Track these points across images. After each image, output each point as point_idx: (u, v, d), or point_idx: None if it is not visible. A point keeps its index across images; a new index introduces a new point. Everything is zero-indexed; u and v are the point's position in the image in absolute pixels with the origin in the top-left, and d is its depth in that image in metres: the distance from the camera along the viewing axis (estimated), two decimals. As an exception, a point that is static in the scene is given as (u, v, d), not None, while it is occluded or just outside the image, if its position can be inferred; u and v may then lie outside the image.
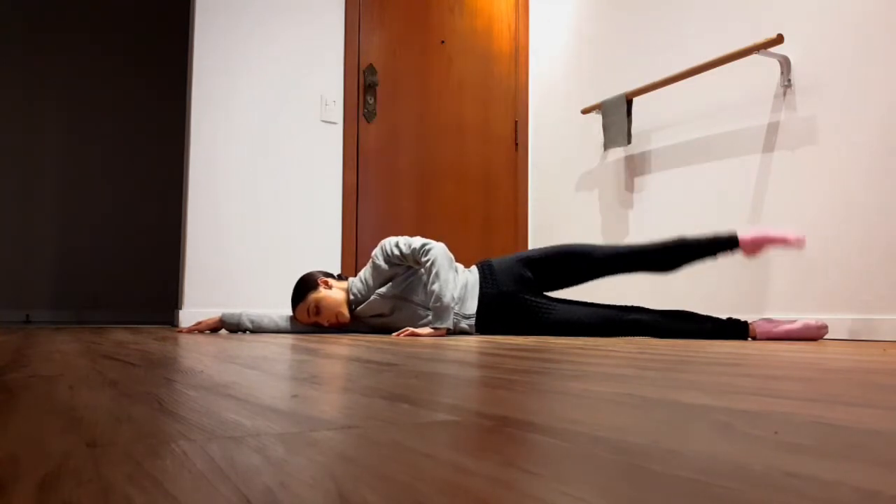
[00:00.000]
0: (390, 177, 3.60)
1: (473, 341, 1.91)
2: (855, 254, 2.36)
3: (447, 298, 2.31)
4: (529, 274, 2.45)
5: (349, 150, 3.49)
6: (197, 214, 3.12)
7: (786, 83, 2.59)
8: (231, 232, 3.18)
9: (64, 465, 0.37)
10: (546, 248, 2.50)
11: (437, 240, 3.61)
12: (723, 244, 2.24)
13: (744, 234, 2.23)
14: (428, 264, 2.36)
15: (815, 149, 2.50)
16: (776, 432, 0.46)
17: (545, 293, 2.50)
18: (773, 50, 2.61)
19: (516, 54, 4.03)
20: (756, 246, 2.20)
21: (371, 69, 3.56)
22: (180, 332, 2.51)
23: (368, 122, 3.55)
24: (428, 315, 2.39)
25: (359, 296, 2.52)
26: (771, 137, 2.66)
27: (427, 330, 2.25)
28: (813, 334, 2.14)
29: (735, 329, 2.19)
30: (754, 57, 2.71)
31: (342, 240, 3.45)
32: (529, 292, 2.45)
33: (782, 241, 2.17)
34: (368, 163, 3.55)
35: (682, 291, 3.00)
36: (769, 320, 2.21)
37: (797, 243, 2.16)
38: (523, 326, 2.46)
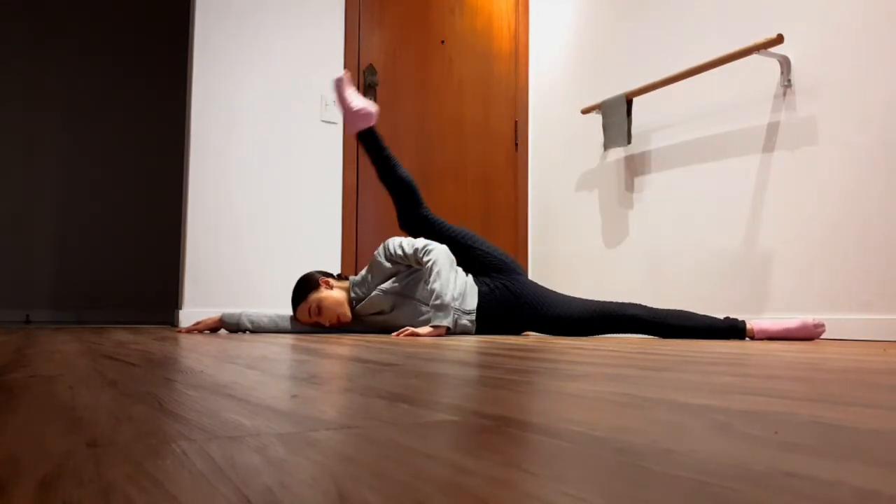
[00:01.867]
0: (390, 177, 3.60)
1: (473, 341, 1.91)
2: (854, 253, 2.36)
3: (447, 297, 2.31)
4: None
5: (349, 150, 3.49)
6: (197, 214, 3.12)
7: (786, 83, 2.59)
8: (231, 232, 3.18)
9: (64, 465, 0.37)
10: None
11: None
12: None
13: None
14: (429, 264, 2.37)
15: (815, 149, 2.50)
16: (776, 432, 0.46)
17: (541, 289, 2.51)
18: (773, 50, 2.61)
19: (516, 54, 4.03)
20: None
21: (371, 69, 3.56)
22: (180, 332, 2.51)
23: (368, 122, 3.55)
24: (428, 312, 2.39)
25: (359, 294, 2.52)
26: (771, 137, 2.66)
27: (427, 329, 2.26)
28: (810, 334, 2.14)
29: (733, 329, 2.19)
30: (754, 57, 2.71)
31: (342, 240, 3.45)
32: (523, 282, 2.49)
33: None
34: (368, 162, 3.54)
35: (681, 291, 3.00)
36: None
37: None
38: (522, 323, 2.47)
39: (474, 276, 2.56)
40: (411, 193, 2.57)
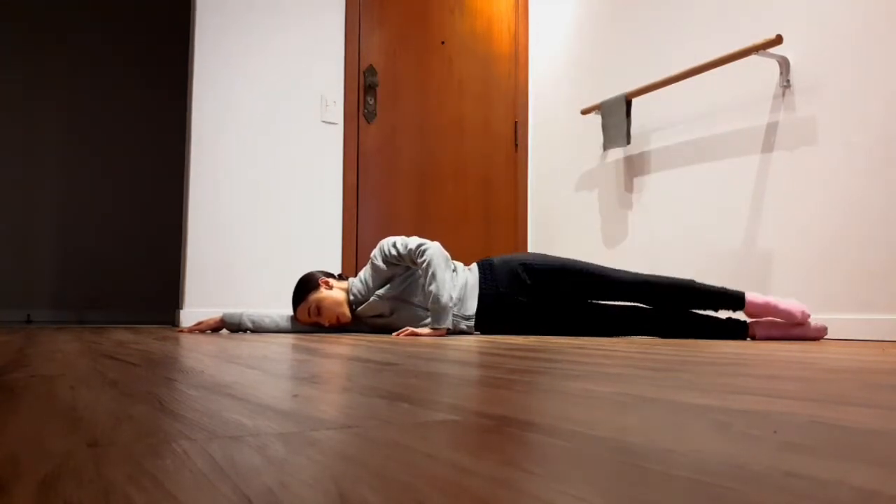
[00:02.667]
0: (390, 177, 3.60)
1: (473, 341, 1.91)
2: (854, 253, 2.36)
3: (445, 299, 2.30)
4: (528, 280, 2.42)
5: (349, 150, 3.49)
6: (197, 214, 3.12)
7: (785, 83, 2.59)
8: (232, 232, 3.18)
9: (65, 464, 0.37)
10: (549, 259, 2.44)
11: (437, 240, 3.61)
12: (729, 301, 2.21)
13: (752, 297, 2.19)
14: (424, 265, 2.36)
15: (814, 149, 2.50)
16: (776, 432, 0.46)
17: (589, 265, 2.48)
18: (772, 50, 2.61)
19: (516, 55, 4.03)
20: (760, 311, 2.18)
21: (371, 70, 3.56)
22: (181, 331, 2.51)
23: (368, 123, 3.55)
24: (427, 316, 2.39)
25: (359, 296, 2.52)
26: (770, 138, 2.66)
27: (426, 330, 2.25)
28: (812, 335, 2.14)
29: (734, 329, 2.20)
30: (753, 57, 2.71)
31: (342, 240, 3.45)
32: (526, 295, 2.43)
33: (787, 315, 2.14)
34: (368, 163, 3.55)
35: (682, 291, 3.00)
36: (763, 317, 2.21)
37: (802, 318, 2.13)
38: (522, 326, 2.46)
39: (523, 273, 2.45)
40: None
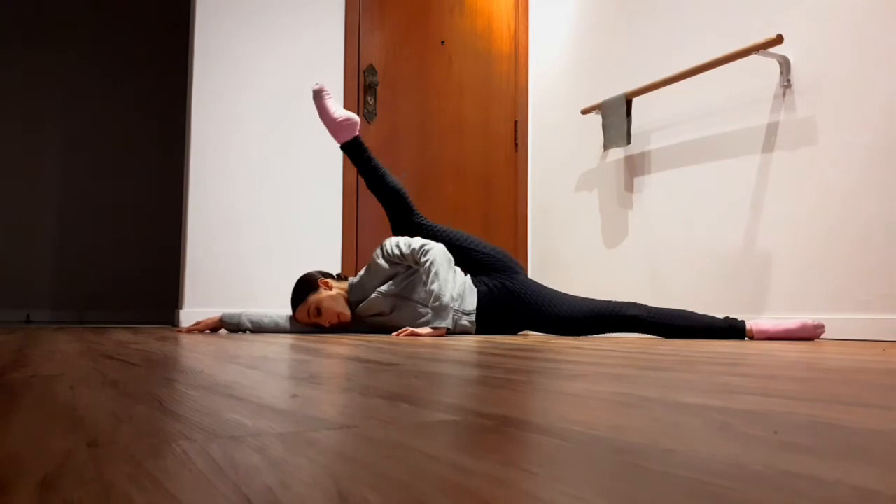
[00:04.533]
0: (390, 177, 3.60)
1: (473, 341, 1.91)
2: (854, 253, 2.36)
3: (446, 298, 2.31)
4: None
5: (349, 150, 3.48)
6: (197, 214, 3.12)
7: (785, 83, 2.59)
8: (231, 232, 3.18)
9: (65, 464, 0.37)
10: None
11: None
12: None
13: (754, 326, 2.18)
14: (427, 264, 2.37)
15: (815, 149, 2.50)
16: (775, 432, 0.46)
17: (540, 288, 2.50)
18: (772, 50, 2.61)
19: (516, 54, 4.03)
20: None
21: (371, 69, 3.56)
22: (180, 331, 2.51)
23: (369, 123, 3.55)
24: (428, 314, 2.39)
25: (359, 296, 2.52)
26: (770, 138, 2.66)
27: (426, 330, 2.26)
28: (810, 334, 2.14)
29: (733, 329, 2.20)
30: (754, 57, 2.71)
31: (342, 240, 3.45)
32: (522, 282, 2.49)
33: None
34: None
35: (681, 291, 3.00)
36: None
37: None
38: (522, 322, 2.47)
39: (473, 276, 2.56)
40: (402, 201, 2.56)
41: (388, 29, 3.65)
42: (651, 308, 2.30)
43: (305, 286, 2.48)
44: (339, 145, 2.57)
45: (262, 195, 3.27)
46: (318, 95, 2.52)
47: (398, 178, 3.36)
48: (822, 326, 2.15)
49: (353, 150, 2.55)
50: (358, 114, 3.52)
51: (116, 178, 5.01)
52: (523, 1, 4.08)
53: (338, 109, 2.52)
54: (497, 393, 0.69)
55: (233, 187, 3.20)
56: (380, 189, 2.56)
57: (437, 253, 2.38)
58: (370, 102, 3.55)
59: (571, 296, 2.46)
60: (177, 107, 5.22)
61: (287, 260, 3.30)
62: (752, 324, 2.19)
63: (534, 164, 3.98)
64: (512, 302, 2.46)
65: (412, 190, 3.65)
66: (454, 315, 2.36)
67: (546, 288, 2.51)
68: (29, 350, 1.38)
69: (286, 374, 0.89)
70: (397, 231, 2.60)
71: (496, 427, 0.48)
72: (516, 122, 3.99)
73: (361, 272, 2.56)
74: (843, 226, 2.40)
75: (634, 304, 2.33)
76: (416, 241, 2.42)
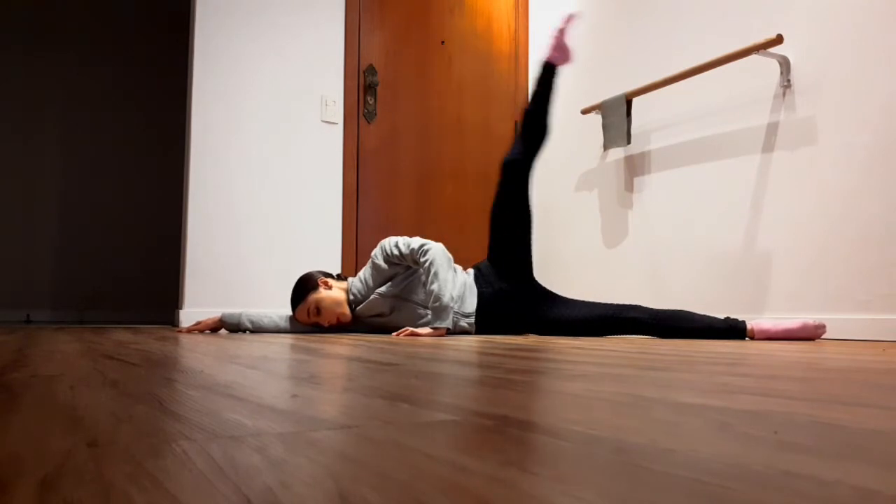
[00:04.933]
0: (390, 177, 3.60)
1: (473, 341, 1.91)
2: (854, 253, 2.36)
3: (446, 298, 2.31)
4: (513, 266, 2.51)
5: (349, 150, 3.49)
6: (197, 214, 3.12)
7: (785, 83, 2.59)
8: (231, 232, 3.18)
9: (65, 464, 0.37)
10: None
11: (437, 240, 3.61)
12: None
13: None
14: (426, 264, 2.37)
15: (815, 149, 2.50)
16: (776, 432, 0.46)
17: (542, 291, 2.50)
18: (772, 50, 2.61)
19: (516, 54, 4.03)
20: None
21: (371, 69, 3.56)
22: (180, 332, 2.51)
23: (368, 123, 3.55)
24: (428, 314, 2.39)
25: (359, 296, 2.52)
26: (770, 138, 2.66)
27: (426, 330, 2.25)
28: (811, 334, 2.14)
29: (733, 329, 2.19)
30: (754, 57, 2.71)
31: (342, 240, 3.45)
32: (524, 284, 2.48)
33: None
34: (368, 163, 3.55)
35: (681, 291, 3.00)
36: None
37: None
38: (522, 324, 2.47)
39: (491, 263, 2.54)
40: (540, 143, 2.56)
41: (388, 29, 3.65)
42: (652, 310, 2.30)
43: (305, 285, 2.48)
44: (545, 61, 2.62)
45: (262, 195, 3.27)
46: (571, 19, 2.63)
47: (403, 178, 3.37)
48: (824, 326, 2.14)
49: (549, 75, 2.61)
50: (358, 114, 3.53)
51: (116, 178, 5.01)
52: (523, 1, 4.08)
53: (570, 39, 2.65)
54: (497, 393, 0.69)
55: (233, 187, 3.20)
56: (537, 118, 2.55)
57: (437, 253, 2.38)
58: (370, 102, 3.55)
59: (572, 299, 2.45)
60: (177, 107, 5.22)
61: (287, 260, 3.30)
62: (753, 324, 2.19)
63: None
64: (514, 304, 2.46)
65: (412, 190, 3.65)
66: (453, 317, 2.36)
67: (548, 291, 2.51)
68: (29, 350, 1.38)
69: (286, 374, 0.89)
70: (509, 164, 2.53)
71: (496, 427, 0.48)
72: (516, 121, 3.99)
73: (362, 271, 2.55)
74: (843, 226, 2.40)
75: (635, 307, 2.33)
76: (416, 241, 2.42)
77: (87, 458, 0.38)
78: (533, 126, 2.55)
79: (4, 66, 4.70)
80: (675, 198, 3.07)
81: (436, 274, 2.33)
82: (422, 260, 2.38)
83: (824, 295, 2.44)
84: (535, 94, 2.58)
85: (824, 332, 2.16)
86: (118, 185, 5.01)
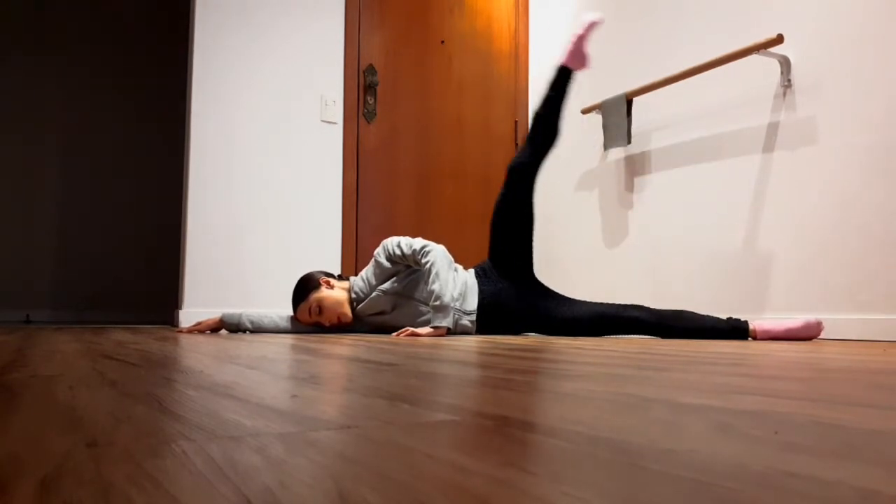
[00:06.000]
0: (390, 177, 3.60)
1: (473, 341, 1.91)
2: (854, 253, 2.36)
3: (447, 297, 2.31)
4: (515, 260, 2.50)
5: (349, 150, 3.49)
6: (197, 214, 3.12)
7: (786, 83, 2.59)
8: (231, 232, 3.18)
9: (64, 464, 0.37)
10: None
11: (437, 239, 3.61)
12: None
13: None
14: (427, 265, 2.37)
15: (815, 149, 2.50)
16: (776, 432, 0.46)
17: (543, 290, 2.51)
18: (773, 50, 2.61)
19: (516, 54, 4.03)
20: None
21: (371, 69, 3.56)
22: (180, 332, 2.51)
23: (368, 122, 3.55)
24: (429, 312, 2.39)
25: (361, 294, 2.52)
26: (771, 137, 2.66)
27: (427, 330, 2.26)
28: (814, 332, 2.14)
29: (735, 329, 2.19)
30: (754, 57, 2.71)
31: (342, 240, 3.45)
32: (526, 283, 2.48)
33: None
34: (368, 163, 3.55)
35: (682, 291, 3.00)
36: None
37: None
38: (523, 324, 2.47)
39: (492, 262, 2.54)
40: (549, 147, 2.56)
41: (387, 28, 3.65)
42: (653, 310, 2.30)
43: (307, 284, 2.48)
44: (561, 65, 2.61)
45: (262, 195, 3.27)
46: (593, 26, 2.60)
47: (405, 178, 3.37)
48: (821, 323, 2.15)
49: (564, 79, 2.59)
50: (358, 114, 3.53)
51: (116, 178, 5.01)
52: (523, 1, 4.08)
53: (588, 45, 2.64)
54: (497, 393, 0.69)
55: (233, 187, 3.20)
56: (548, 122, 2.55)
57: (438, 254, 2.38)
58: (370, 102, 3.55)
59: (573, 299, 2.45)
60: (177, 107, 5.22)
61: (287, 260, 3.30)
62: (756, 324, 2.19)
63: (534, 164, 3.97)
64: (515, 303, 2.46)
65: (412, 190, 3.65)
66: (455, 314, 2.36)
67: (549, 290, 2.51)
68: (28, 350, 1.38)
69: (286, 375, 0.88)
70: (516, 163, 2.54)
71: (496, 427, 0.48)
72: (516, 121, 3.99)
73: (364, 271, 2.56)
74: (843, 226, 2.40)
75: (636, 307, 2.32)
76: (417, 242, 2.42)
77: (86, 458, 0.38)
78: (543, 129, 2.54)
79: (4, 67, 4.70)
80: (676, 198, 3.07)
81: (437, 274, 2.34)
82: (423, 260, 2.39)
83: (824, 295, 2.44)
84: (548, 97, 2.57)
85: (822, 329, 2.17)
86: (118, 185, 5.01)
